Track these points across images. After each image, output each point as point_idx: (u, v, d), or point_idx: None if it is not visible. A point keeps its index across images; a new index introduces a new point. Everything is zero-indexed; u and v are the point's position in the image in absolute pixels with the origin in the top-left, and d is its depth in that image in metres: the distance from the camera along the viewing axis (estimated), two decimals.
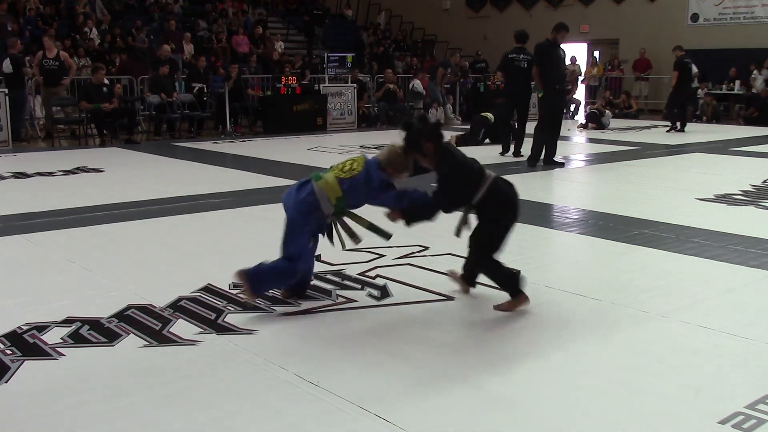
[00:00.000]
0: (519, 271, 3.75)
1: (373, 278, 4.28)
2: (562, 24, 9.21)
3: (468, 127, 12.66)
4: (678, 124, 13.93)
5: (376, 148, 11.11)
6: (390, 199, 3.71)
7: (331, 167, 3.80)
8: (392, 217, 3.71)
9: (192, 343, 3.34)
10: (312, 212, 3.66)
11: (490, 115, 11.74)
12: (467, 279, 3.98)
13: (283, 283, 3.87)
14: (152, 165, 9.52)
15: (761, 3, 17.72)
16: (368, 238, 3.98)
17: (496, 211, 3.67)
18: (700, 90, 16.82)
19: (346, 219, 3.80)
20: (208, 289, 4.08)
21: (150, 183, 7.91)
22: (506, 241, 3.74)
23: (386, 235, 3.84)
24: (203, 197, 6.95)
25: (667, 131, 13.89)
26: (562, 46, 9.28)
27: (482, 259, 3.75)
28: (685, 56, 13.84)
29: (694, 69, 14.01)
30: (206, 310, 3.75)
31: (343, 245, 3.86)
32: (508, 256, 4.67)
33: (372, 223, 3.80)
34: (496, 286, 3.82)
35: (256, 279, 3.70)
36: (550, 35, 9.10)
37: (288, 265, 3.72)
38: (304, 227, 3.69)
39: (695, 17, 18.88)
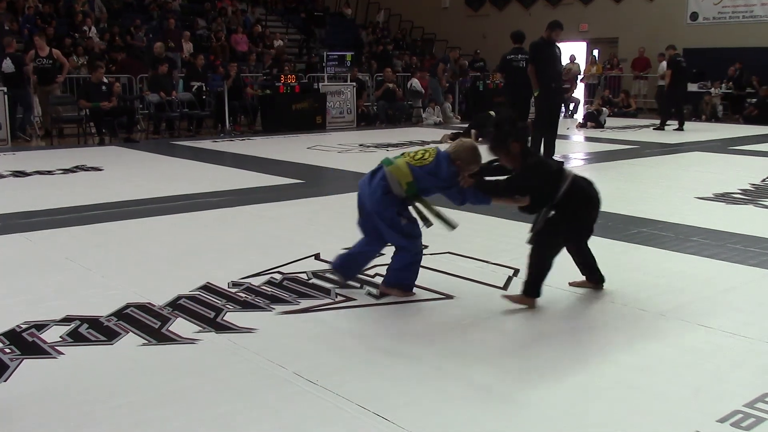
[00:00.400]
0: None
1: (372, 277, 4.28)
2: (556, 22, 9.19)
3: (467, 126, 12.65)
4: (664, 123, 13.92)
5: (375, 146, 11.12)
6: (454, 196, 3.81)
7: (403, 153, 3.89)
8: (465, 182, 3.76)
9: (191, 341, 3.34)
10: (386, 194, 3.76)
11: (494, 114, 11.73)
12: (594, 277, 4.04)
13: (417, 266, 3.94)
14: (151, 163, 9.51)
15: (760, 2, 17.72)
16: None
17: (577, 209, 3.74)
18: (714, 89, 16.83)
19: (418, 204, 3.85)
20: (207, 288, 4.08)
21: (149, 181, 7.90)
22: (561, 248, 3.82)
23: (451, 226, 3.86)
24: (202, 196, 6.95)
25: (654, 129, 13.90)
26: (559, 44, 9.27)
27: (539, 253, 3.72)
28: (678, 55, 13.83)
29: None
30: (205, 309, 3.75)
31: (426, 223, 3.88)
32: (509, 254, 4.70)
33: (440, 212, 3.85)
34: (525, 275, 3.79)
35: (404, 284, 3.92)
36: (545, 33, 9.10)
37: (410, 249, 3.84)
38: (386, 211, 3.77)
39: (694, 16, 18.88)
